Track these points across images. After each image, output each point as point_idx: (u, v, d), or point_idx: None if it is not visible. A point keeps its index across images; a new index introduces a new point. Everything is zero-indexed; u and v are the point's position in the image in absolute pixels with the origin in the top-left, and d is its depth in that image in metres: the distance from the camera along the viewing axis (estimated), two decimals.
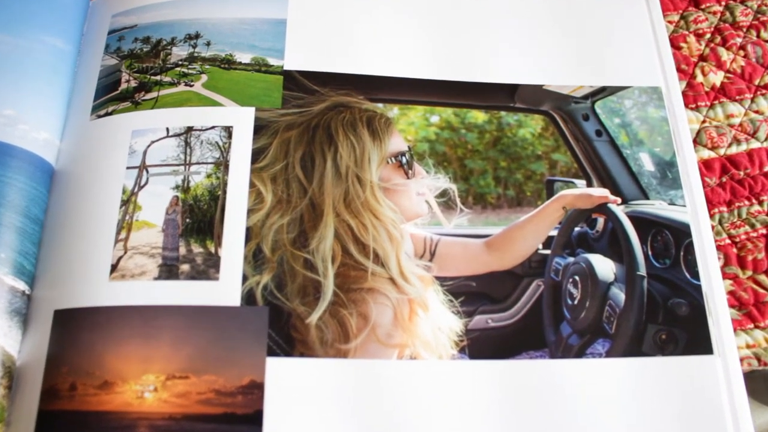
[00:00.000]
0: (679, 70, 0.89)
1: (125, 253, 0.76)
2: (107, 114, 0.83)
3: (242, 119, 0.81)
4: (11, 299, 0.76)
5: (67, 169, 0.82)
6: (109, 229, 0.77)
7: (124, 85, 0.85)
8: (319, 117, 0.80)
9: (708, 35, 0.93)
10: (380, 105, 0.82)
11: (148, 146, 0.80)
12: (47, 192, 0.82)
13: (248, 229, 0.75)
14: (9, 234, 0.78)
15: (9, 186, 0.80)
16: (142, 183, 0.79)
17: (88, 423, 0.69)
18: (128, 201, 0.78)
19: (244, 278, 0.73)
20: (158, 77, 0.85)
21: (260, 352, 0.71)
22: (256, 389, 0.70)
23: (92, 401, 0.70)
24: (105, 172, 0.80)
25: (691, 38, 0.92)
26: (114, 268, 0.75)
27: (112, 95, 0.84)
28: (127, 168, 0.79)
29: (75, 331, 0.72)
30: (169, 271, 0.75)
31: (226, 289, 0.73)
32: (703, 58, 0.91)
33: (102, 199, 0.78)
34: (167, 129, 0.81)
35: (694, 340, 0.73)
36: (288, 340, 0.72)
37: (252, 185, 0.77)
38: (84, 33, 0.92)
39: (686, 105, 0.87)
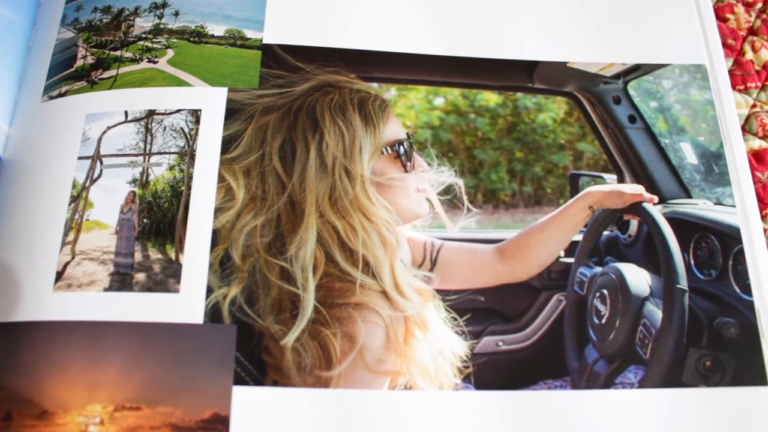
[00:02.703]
0: (725, 45, 0.80)
1: (73, 258, 0.67)
2: (60, 95, 0.73)
3: (212, 101, 0.71)
4: None
5: (15, 158, 0.73)
6: (56, 230, 0.68)
7: (80, 62, 0.75)
8: (302, 99, 0.70)
9: (759, 5, 0.84)
10: (375, 85, 0.72)
11: (104, 132, 0.71)
12: None
13: (215, 232, 0.66)
14: None
15: None
16: (95, 176, 0.69)
17: None
18: (78, 197, 0.68)
19: (209, 290, 0.64)
20: (118, 53, 0.74)
21: (226, 379, 0.62)
22: (219, 424, 0.61)
23: None
24: (54, 163, 0.71)
25: (740, 8, 0.84)
26: (59, 276, 0.66)
27: (66, 73, 0.75)
28: (79, 158, 0.70)
29: (13, 349, 0.64)
30: (122, 280, 0.65)
31: (187, 303, 0.64)
32: (753, 31, 0.83)
33: (50, 194, 0.70)
34: (126, 113, 0.71)
35: (745, 368, 0.65)
36: (259, 365, 0.63)
37: (221, 179, 0.67)
38: (41, 2, 0.81)
39: (733, 86, 0.78)
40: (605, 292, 0.68)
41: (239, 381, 0.61)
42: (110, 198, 0.69)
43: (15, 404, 0.62)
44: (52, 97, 0.74)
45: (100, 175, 0.69)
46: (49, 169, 0.70)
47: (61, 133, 0.71)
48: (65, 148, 0.70)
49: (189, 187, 0.67)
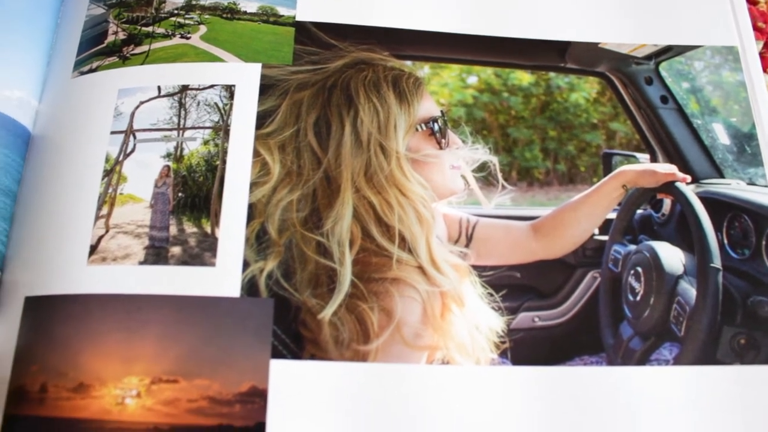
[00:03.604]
0: (755, 28, 0.80)
1: (107, 232, 0.66)
2: (91, 70, 0.73)
3: (246, 77, 0.70)
4: None
5: (45, 133, 0.72)
6: (90, 204, 0.67)
7: (111, 38, 0.75)
8: (336, 76, 0.70)
9: None
10: (408, 63, 0.72)
11: (137, 107, 0.70)
12: (22, 160, 0.72)
13: (251, 206, 0.65)
14: None
15: None
16: (129, 150, 0.69)
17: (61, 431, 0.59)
18: (112, 171, 0.68)
19: (246, 264, 0.63)
20: (150, 29, 0.74)
21: (263, 352, 0.61)
22: (257, 397, 0.60)
23: (65, 406, 0.62)
24: (87, 137, 0.70)
25: None
26: (93, 249, 0.65)
27: (97, 49, 0.74)
28: (112, 132, 0.70)
29: (47, 322, 0.63)
30: (157, 254, 0.65)
31: (223, 276, 0.63)
32: None
33: (83, 169, 0.69)
34: (159, 88, 0.70)
35: None
36: (296, 339, 0.62)
37: (256, 154, 0.67)
38: None
39: (764, 69, 0.78)
40: (639, 270, 0.68)
41: (277, 354, 0.61)
42: (144, 172, 0.68)
43: (50, 377, 0.61)
44: (83, 73, 0.73)
45: (133, 150, 0.69)
46: (81, 143, 0.70)
47: (93, 108, 0.71)
48: (97, 123, 0.70)
49: (224, 162, 0.67)
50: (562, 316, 0.71)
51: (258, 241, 0.64)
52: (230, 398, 0.60)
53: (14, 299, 0.65)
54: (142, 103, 0.70)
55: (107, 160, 0.68)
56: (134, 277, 0.63)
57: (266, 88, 0.69)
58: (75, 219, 0.67)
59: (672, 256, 0.68)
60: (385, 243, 0.64)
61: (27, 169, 0.72)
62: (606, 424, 0.60)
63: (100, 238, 0.66)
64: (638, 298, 0.68)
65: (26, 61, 0.75)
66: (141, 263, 0.64)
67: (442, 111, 0.71)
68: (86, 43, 0.75)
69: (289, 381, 0.60)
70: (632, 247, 0.71)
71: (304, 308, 0.63)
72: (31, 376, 0.62)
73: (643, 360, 0.66)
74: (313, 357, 0.62)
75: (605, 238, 0.72)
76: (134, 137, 0.69)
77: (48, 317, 0.63)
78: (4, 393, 0.62)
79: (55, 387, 0.61)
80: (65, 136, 0.71)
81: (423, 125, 0.69)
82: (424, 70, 0.73)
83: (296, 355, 0.61)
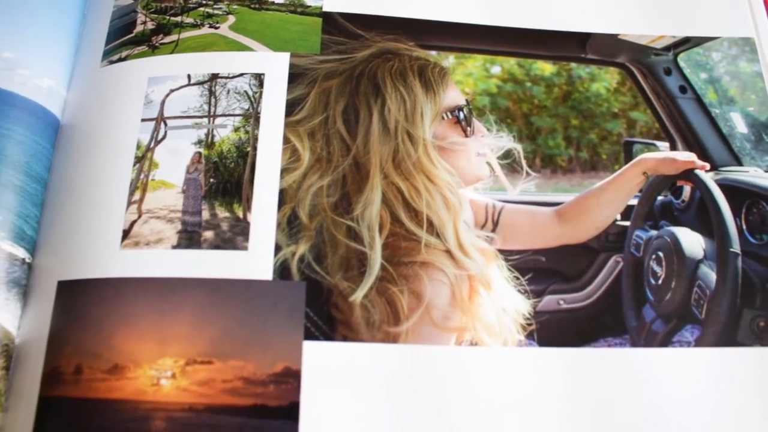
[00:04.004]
0: None
1: (139, 217, 0.67)
2: (120, 59, 0.73)
3: (275, 66, 0.71)
4: (9, 268, 0.67)
5: (74, 121, 0.73)
6: (121, 190, 0.68)
7: (139, 28, 0.75)
8: (363, 65, 0.71)
9: None
10: (433, 53, 0.72)
11: (167, 95, 0.71)
12: (51, 147, 0.73)
13: (282, 192, 0.66)
14: (7, 194, 0.68)
15: (6, 139, 0.70)
16: (160, 137, 0.69)
17: (96, 412, 0.61)
18: (143, 157, 0.68)
19: (277, 248, 0.64)
20: (179, 18, 0.75)
21: (296, 334, 0.62)
22: (290, 378, 0.61)
23: (100, 387, 0.62)
24: (117, 125, 0.71)
25: None
26: (126, 234, 0.66)
27: (126, 38, 0.75)
28: (142, 120, 0.70)
29: (81, 305, 0.64)
30: (190, 238, 0.65)
31: (256, 260, 0.64)
32: None
33: (113, 156, 0.69)
34: (189, 76, 0.71)
35: None
36: (328, 320, 0.63)
37: (286, 141, 0.67)
38: None
39: None
40: (661, 254, 0.70)
41: (309, 336, 0.61)
42: (175, 158, 0.69)
43: (85, 358, 0.62)
44: (112, 62, 0.74)
45: (164, 137, 0.70)
46: (112, 131, 0.70)
47: (123, 96, 0.72)
48: (128, 111, 0.71)
49: (255, 148, 0.68)
50: (586, 299, 0.72)
51: (289, 226, 0.65)
52: (264, 379, 0.61)
53: (46, 283, 0.66)
54: (172, 91, 0.71)
55: (138, 146, 0.69)
56: (167, 261, 0.64)
57: (295, 76, 0.70)
58: (107, 204, 0.67)
59: (692, 241, 0.69)
60: (414, 228, 0.66)
61: (56, 156, 0.73)
62: (629, 404, 0.61)
63: (133, 223, 0.67)
64: (660, 281, 0.69)
65: (55, 51, 0.76)
66: (174, 247, 0.65)
67: (467, 100, 0.72)
68: (115, 33, 0.76)
69: (322, 362, 0.61)
70: (653, 233, 0.72)
71: (335, 291, 0.64)
72: (66, 358, 0.62)
73: (665, 342, 0.67)
74: (345, 338, 0.63)
75: (627, 223, 0.74)
76: (165, 124, 0.70)
77: (81, 300, 0.64)
78: (39, 375, 0.63)
79: (90, 368, 0.62)
80: (95, 124, 0.72)
81: (449, 113, 0.70)
82: (448, 60, 0.75)
83: (328, 337, 0.62)
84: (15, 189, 0.69)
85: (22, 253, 0.68)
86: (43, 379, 0.62)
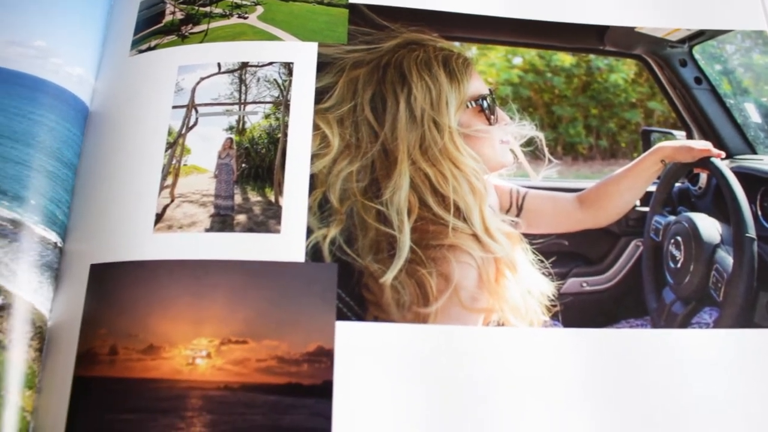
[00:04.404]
0: None
1: (172, 201, 0.68)
2: (149, 49, 0.75)
3: (304, 55, 0.73)
4: (42, 251, 0.68)
5: (103, 109, 0.74)
6: (154, 175, 0.69)
7: (168, 17, 0.77)
8: (389, 55, 0.72)
9: None
10: (456, 44, 0.74)
11: (197, 83, 0.72)
12: (81, 134, 0.74)
13: (313, 177, 0.68)
14: (40, 179, 0.69)
15: (39, 125, 0.71)
16: (191, 124, 0.71)
17: (132, 391, 0.62)
18: (175, 143, 0.70)
19: (309, 231, 0.65)
20: (207, 9, 0.76)
21: (329, 314, 0.63)
22: (324, 357, 0.62)
23: (136, 367, 0.63)
24: (148, 112, 0.72)
25: None
26: (159, 217, 0.67)
27: (155, 28, 0.76)
28: (173, 107, 0.72)
29: (115, 287, 0.65)
30: (222, 221, 0.66)
31: (288, 243, 0.65)
32: None
33: (145, 142, 0.71)
34: (219, 64, 0.73)
35: None
36: (360, 301, 0.65)
37: (316, 128, 0.69)
38: None
39: None
40: (679, 239, 0.72)
41: (341, 316, 0.63)
42: (207, 144, 0.70)
43: (120, 339, 0.63)
44: (141, 51, 0.75)
45: (195, 123, 0.71)
46: (143, 117, 0.72)
47: (153, 84, 0.73)
48: (159, 98, 0.72)
49: (285, 135, 0.69)
50: (608, 282, 0.74)
51: (320, 210, 0.67)
52: (298, 358, 0.62)
53: (78, 267, 0.67)
54: (202, 79, 0.73)
55: (170, 133, 0.70)
56: (201, 244, 0.65)
57: (323, 65, 0.72)
58: (139, 189, 0.68)
59: (709, 227, 0.71)
60: (441, 212, 0.67)
61: (86, 143, 0.74)
62: (651, 383, 0.63)
63: (166, 207, 0.68)
64: (679, 265, 0.71)
65: (84, 40, 0.78)
66: (207, 230, 0.66)
67: (490, 89, 0.74)
68: (143, 23, 0.77)
69: (354, 341, 0.62)
70: (672, 218, 0.74)
71: (366, 272, 0.65)
72: (100, 339, 0.63)
73: (685, 323, 0.69)
74: (376, 319, 0.64)
75: (646, 209, 0.75)
76: (196, 111, 0.72)
77: (115, 283, 0.65)
78: (73, 356, 0.64)
79: (125, 349, 0.63)
80: (125, 111, 0.73)
81: (473, 102, 0.72)
82: (471, 50, 0.76)
83: (360, 317, 0.64)
84: (47, 174, 0.70)
85: (54, 237, 0.69)
86: (78, 360, 0.63)
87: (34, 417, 0.63)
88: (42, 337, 0.66)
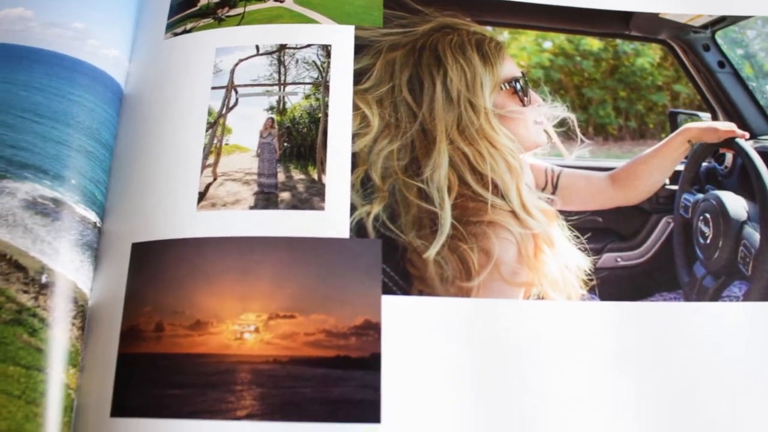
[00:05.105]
0: None
1: (215, 179, 0.69)
2: (185, 31, 0.75)
3: (341, 38, 0.74)
4: (82, 231, 0.68)
5: (138, 92, 0.75)
6: (195, 154, 0.70)
7: (203, 1, 0.77)
8: (424, 38, 0.74)
9: None
10: (489, 28, 0.76)
11: (236, 65, 0.73)
12: (117, 115, 0.74)
13: (354, 155, 0.69)
14: (79, 158, 0.70)
15: (78, 106, 0.72)
16: (231, 104, 0.72)
17: (180, 366, 0.63)
18: (215, 123, 0.71)
19: (353, 208, 0.67)
20: None
21: (374, 289, 0.64)
22: (371, 330, 0.63)
23: (183, 343, 0.64)
24: (186, 93, 0.73)
25: None
26: (202, 196, 0.67)
27: (191, 11, 0.77)
28: (213, 88, 0.72)
29: (159, 265, 0.66)
30: (267, 199, 0.67)
31: (333, 219, 0.66)
32: None
33: (184, 122, 0.71)
34: (257, 47, 0.74)
35: None
36: (405, 276, 0.66)
37: (356, 108, 0.70)
38: None
39: None
40: (708, 216, 0.74)
41: (387, 291, 0.64)
42: (248, 124, 0.71)
43: (166, 316, 0.63)
44: (176, 34, 0.76)
45: (236, 103, 0.72)
46: (180, 99, 0.72)
47: (191, 66, 0.74)
48: (197, 80, 0.73)
49: (326, 114, 0.70)
50: (641, 257, 0.76)
51: (363, 187, 0.68)
52: (346, 331, 0.63)
53: (118, 246, 0.68)
54: (241, 60, 0.73)
55: (210, 113, 0.71)
56: (245, 221, 0.66)
57: (360, 48, 0.73)
58: (181, 169, 0.69)
59: (736, 204, 0.73)
60: (480, 189, 0.69)
61: (121, 124, 0.74)
62: (685, 353, 0.64)
63: (208, 185, 0.68)
64: (708, 241, 0.73)
65: (119, 23, 0.78)
66: (251, 208, 0.67)
67: (522, 72, 0.76)
68: (178, 6, 0.78)
69: (400, 315, 0.63)
70: (700, 196, 0.76)
71: (410, 248, 0.67)
72: (145, 317, 0.64)
73: (715, 296, 0.71)
74: (421, 293, 0.65)
75: (675, 187, 0.77)
76: (236, 92, 0.72)
77: (159, 261, 0.66)
78: (116, 334, 0.64)
79: (172, 325, 0.63)
80: (162, 93, 0.73)
81: (506, 84, 0.74)
82: (503, 35, 0.78)
83: (405, 291, 0.65)
84: (87, 154, 0.70)
85: (93, 217, 0.69)
86: (122, 337, 0.63)
87: (77, 395, 0.63)
88: (84, 315, 0.66)
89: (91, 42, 0.74)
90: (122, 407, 0.61)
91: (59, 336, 0.64)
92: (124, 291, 0.66)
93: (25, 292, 0.65)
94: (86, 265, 0.68)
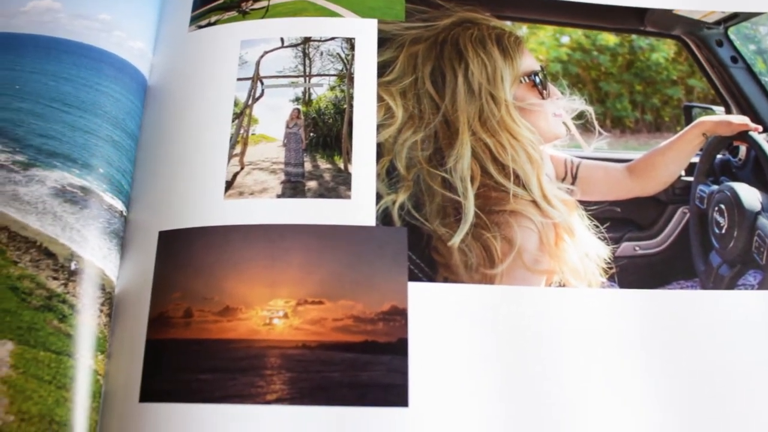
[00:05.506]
0: None
1: (242, 168, 0.70)
2: (209, 24, 0.76)
3: (364, 31, 0.75)
4: (110, 219, 0.69)
5: (162, 84, 0.76)
6: (221, 144, 0.71)
7: None
8: (446, 32, 0.76)
9: None
10: (508, 23, 0.77)
11: (261, 57, 0.74)
12: (142, 106, 0.75)
13: (379, 145, 0.70)
14: (107, 148, 0.71)
15: (105, 96, 0.73)
16: (257, 95, 0.73)
17: (210, 351, 0.63)
18: (242, 113, 0.72)
19: (379, 197, 0.68)
20: None
21: (401, 276, 0.65)
22: (398, 316, 0.64)
23: (212, 329, 0.64)
24: (212, 84, 0.74)
25: None
26: (229, 185, 0.68)
27: (215, 5, 0.78)
28: (238, 79, 0.73)
29: (187, 253, 0.67)
30: (294, 188, 0.69)
31: (359, 207, 0.67)
32: None
33: (211, 113, 0.73)
34: (282, 39, 0.75)
35: None
36: (430, 263, 0.67)
37: (380, 99, 0.72)
38: None
39: None
40: (722, 206, 0.75)
41: (413, 277, 0.65)
42: (274, 114, 0.72)
43: (194, 302, 0.64)
44: (201, 26, 0.77)
45: (262, 94, 0.73)
46: (206, 90, 0.73)
47: (216, 58, 0.75)
48: (222, 71, 0.74)
49: (351, 106, 0.72)
50: (658, 246, 0.77)
51: (388, 177, 0.69)
52: (373, 317, 0.64)
53: (145, 235, 0.69)
54: (266, 52, 0.75)
55: (236, 104, 0.72)
56: (273, 209, 0.67)
57: (383, 41, 0.75)
58: (207, 159, 0.70)
59: (750, 195, 0.75)
60: (502, 179, 0.70)
61: (145, 116, 0.75)
62: (701, 340, 0.66)
63: (236, 174, 0.70)
64: (723, 231, 0.75)
65: (144, 15, 0.79)
66: (279, 196, 0.68)
67: (541, 66, 0.77)
68: (201, 0, 0.79)
69: (426, 301, 0.65)
70: (715, 187, 0.78)
71: (434, 236, 0.68)
72: (174, 303, 0.65)
73: (731, 285, 0.72)
74: (446, 280, 0.67)
75: (691, 179, 0.79)
76: (261, 83, 0.74)
77: (187, 248, 0.66)
78: (144, 321, 0.65)
79: (201, 311, 0.64)
80: (188, 84, 0.74)
81: (526, 78, 0.76)
82: (522, 29, 0.80)
83: (431, 278, 0.66)
84: (114, 144, 0.71)
85: (120, 205, 0.70)
86: (150, 324, 0.64)
87: (105, 381, 0.64)
88: (111, 303, 0.67)
89: (117, 34, 0.75)
90: (151, 392, 0.62)
91: (88, 322, 0.65)
92: (151, 278, 0.66)
93: (55, 278, 0.65)
94: (113, 253, 0.68)
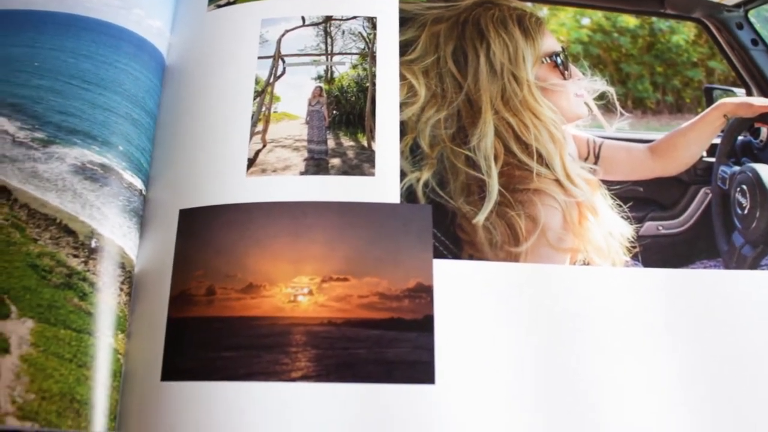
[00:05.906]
0: None
1: (264, 146, 0.69)
2: (229, 3, 0.76)
3: (385, 10, 0.75)
4: (129, 197, 0.68)
5: (181, 63, 0.76)
6: (243, 122, 0.70)
7: None
8: (467, 12, 0.75)
9: None
10: (528, 4, 0.77)
11: (282, 35, 0.74)
12: (161, 85, 0.75)
13: (403, 123, 0.70)
14: (126, 126, 0.70)
15: (124, 73, 0.72)
16: (279, 73, 0.72)
17: (233, 329, 0.63)
18: (263, 92, 0.71)
19: (403, 174, 0.68)
20: None
21: (426, 253, 0.65)
22: (423, 292, 0.64)
23: (236, 306, 0.64)
24: (232, 63, 0.74)
25: None
26: (252, 162, 0.68)
27: None
28: (259, 58, 0.73)
29: (209, 231, 0.66)
30: (317, 165, 0.68)
31: (383, 185, 0.67)
32: None
33: (232, 91, 0.72)
34: (303, 18, 0.74)
35: None
36: (455, 241, 0.67)
37: (403, 78, 0.71)
38: None
39: None
40: (744, 187, 0.75)
41: (438, 255, 0.65)
42: (296, 92, 0.72)
43: (217, 280, 0.64)
44: (220, 6, 0.77)
45: (283, 72, 0.73)
46: (226, 69, 0.73)
47: (236, 37, 0.74)
48: (243, 50, 0.73)
49: (373, 84, 0.71)
50: (681, 226, 0.77)
51: (412, 154, 0.69)
52: (399, 294, 0.63)
53: (165, 214, 0.68)
54: (287, 31, 0.74)
55: (257, 82, 0.72)
56: (296, 186, 0.67)
57: (405, 20, 0.74)
58: (229, 136, 0.69)
59: None
60: (525, 158, 0.70)
61: (164, 95, 0.75)
62: (725, 318, 0.65)
63: (258, 152, 0.69)
64: (746, 211, 0.75)
65: None
66: (302, 173, 0.68)
67: (562, 47, 0.77)
68: None
69: (452, 278, 0.64)
70: (736, 168, 0.78)
71: (459, 214, 0.68)
72: (196, 281, 0.64)
73: (754, 265, 0.72)
74: (471, 257, 0.67)
75: (713, 159, 0.79)
76: (283, 61, 0.73)
77: (209, 226, 0.66)
78: (165, 299, 0.64)
79: (223, 289, 0.64)
80: (208, 63, 0.74)
81: (547, 58, 0.75)
82: (543, 11, 0.80)
83: (456, 255, 0.66)
84: (133, 122, 0.71)
85: (139, 184, 0.70)
86: (172, 302, 0.64)
87: (125, 360, 0.63)
88: (131, 282, 0.66)
89: (136, 12, 0.75)
90: (173, 371, 0.62)
91: (108, 300, 0.64)
92: (172, 256, 0.66)
93: (75, 256, 0.65)
94: (133, 232, 0.68)
